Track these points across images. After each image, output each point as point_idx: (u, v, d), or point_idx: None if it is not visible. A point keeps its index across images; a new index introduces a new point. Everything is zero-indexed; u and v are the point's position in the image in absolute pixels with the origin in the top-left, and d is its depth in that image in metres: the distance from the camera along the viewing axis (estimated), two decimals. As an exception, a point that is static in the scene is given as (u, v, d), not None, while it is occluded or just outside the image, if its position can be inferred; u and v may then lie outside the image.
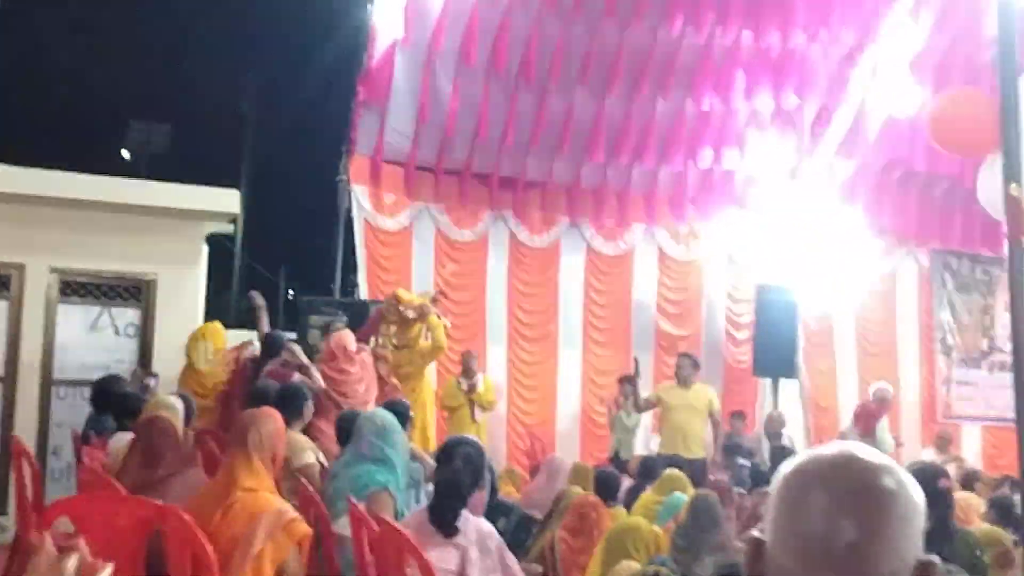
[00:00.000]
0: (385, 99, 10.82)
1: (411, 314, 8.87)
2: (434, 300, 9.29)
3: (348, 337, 7.62)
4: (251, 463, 3.86)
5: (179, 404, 5.96)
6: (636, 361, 10.87)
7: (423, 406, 8.94)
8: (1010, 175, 3.76)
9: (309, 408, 6.10)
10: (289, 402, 5.95)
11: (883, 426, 10.56)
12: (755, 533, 1.35)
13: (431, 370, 9.84)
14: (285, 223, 20.52)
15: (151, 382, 8.53)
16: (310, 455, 5.83)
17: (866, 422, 10.38)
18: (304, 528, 3.77)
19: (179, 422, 5.27)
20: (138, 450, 5.02)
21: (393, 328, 8.95)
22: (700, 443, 9.71)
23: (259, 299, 8.65)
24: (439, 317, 9.13)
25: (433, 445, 9.10)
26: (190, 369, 7.95)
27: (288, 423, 5.79)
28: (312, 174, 13.80)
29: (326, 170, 11.72)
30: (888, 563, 1.24)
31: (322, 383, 7.25)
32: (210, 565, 3.51)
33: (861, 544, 1.24)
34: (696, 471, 8.18)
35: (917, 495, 1.30)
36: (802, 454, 1.36)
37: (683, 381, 10.10)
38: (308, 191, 14.99)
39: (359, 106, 10.83)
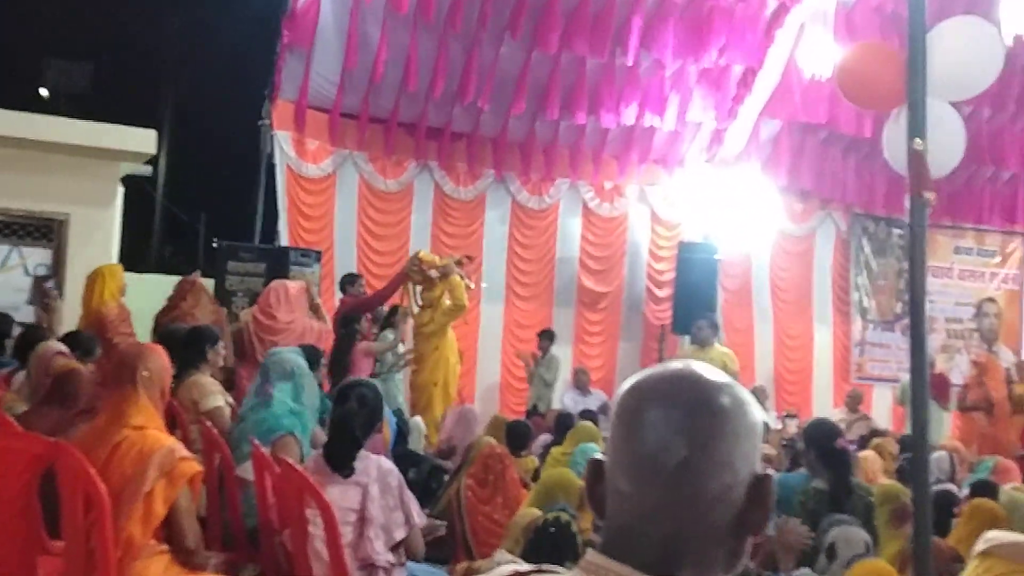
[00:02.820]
0: (310, 43, 10.58)
1: (434, 274, 9.20)
2: (459, 263, 9.46)
3: (291, 284, 7.62)
4: (139, 400, 3.77)
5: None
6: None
7: (446, 362, 9.38)
8: (914, 130, 3.81)
9: (218, 351, 5.98)
10: (197, 344, 5.85)
11: None
12: (596, 455, 1.31)
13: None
14: (207, 168, 20.16)
15: (49, 284, 8.48)
16: (218, 398, 5.73)
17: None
18: (195, 466, 3.70)
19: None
20: (53, 397, 4.91)
21: (419, 288, 9.33)
22: None
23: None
24: (462, 278, 9.40)
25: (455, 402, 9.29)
26: (87, 309, 7.78)
27: (197, 366, 5.73)
28: (235, 119, 13.51)
29: (249, 115, 11.47)
30: (719, 480, 1.21)
31: None
32: (103, 504, 3.44)
33: (691, 461, 1.20)
34: None
35: (755, 414, 1.26)
36: (641, 372, 1.30)
37: (700, 343, 10.22)
38: (231, 136, 14.69)
39: (283, 49, 10.57)
